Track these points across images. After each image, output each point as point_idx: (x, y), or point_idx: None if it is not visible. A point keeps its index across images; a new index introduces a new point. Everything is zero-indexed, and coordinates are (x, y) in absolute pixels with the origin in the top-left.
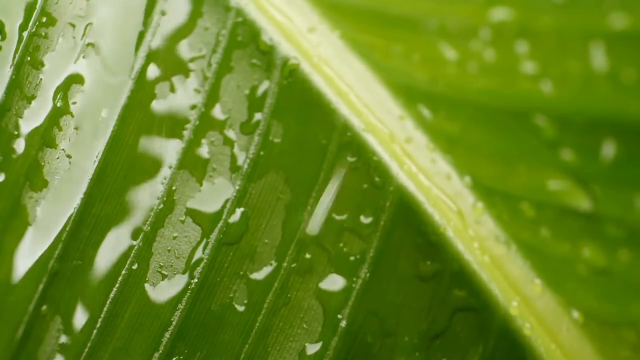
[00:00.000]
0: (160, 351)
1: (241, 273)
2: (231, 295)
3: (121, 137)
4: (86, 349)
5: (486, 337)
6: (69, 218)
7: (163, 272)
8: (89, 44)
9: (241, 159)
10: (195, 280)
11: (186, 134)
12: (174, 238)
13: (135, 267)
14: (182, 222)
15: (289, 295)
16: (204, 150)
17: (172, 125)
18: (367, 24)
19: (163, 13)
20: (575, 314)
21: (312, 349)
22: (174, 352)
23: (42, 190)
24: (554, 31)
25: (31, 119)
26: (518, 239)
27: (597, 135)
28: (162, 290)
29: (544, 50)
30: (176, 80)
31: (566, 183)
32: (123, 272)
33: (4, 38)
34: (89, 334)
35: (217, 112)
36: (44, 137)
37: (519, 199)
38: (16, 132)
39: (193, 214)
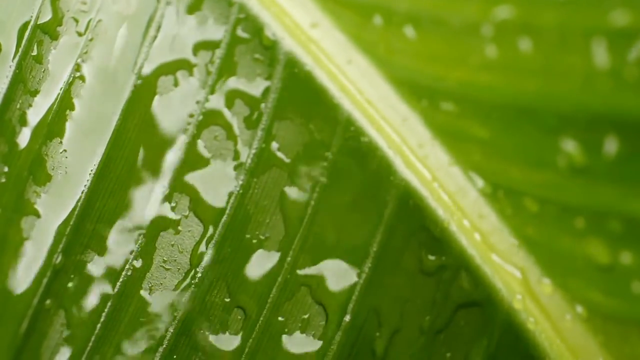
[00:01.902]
0: (164, 345)
1: (245, 268)
2: (235, 290)
3: (124, 132)
4: (90, 344)
5: (490, 331)
6: (73, 212)
7: (166, 266)
8: (92, 39)
9: (244, 153)
10: (199, 275)
11: (189, 128)
12: (178, 233)
13: (138, 261)
14: (186, 217)
15: (292, 290)
16: (207, 145)
17: (175, 120)
18: (370, 19)
19: (166, 8)
20: (579, 309)
21: (316, 343)
22: (177, 346)
23: (46, 184)
24: (556, 28)
25: (35, 113)
26: (521, 233)
27: (600, 132)
28: (166, 285)
29: (546, 47)
30: (179, 75)
31: (569, 179)
32: (127, 266)
33: (6, 33)
34: (93, 329)
35: (221, 106)
36: (48, 131)
37: (523, 194)
38: (20, 126)
39: (196, 208)
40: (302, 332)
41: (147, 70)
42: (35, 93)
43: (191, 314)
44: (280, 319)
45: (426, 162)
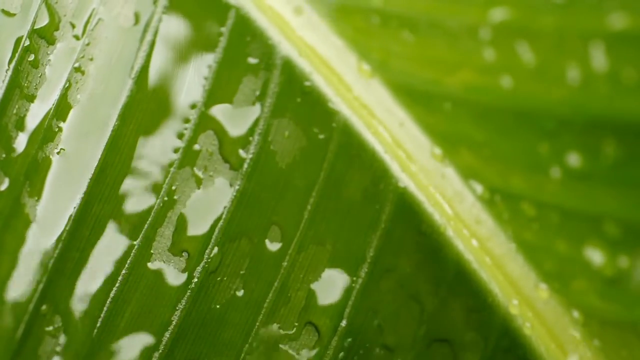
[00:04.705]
0: (160, 351)
1: (241, 272)
2: (231, 294)
3: (121, 137)
4: (86, 349)
5: (486, 336)
6: (69, 217)
7: (163, 271)
8: (89, 44)
9: (241, 158)
10: (196, 279)
11: (186, 133)
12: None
13: (135, 266)
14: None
15: (288, 295)
16: (204, 150)
17: (172, 124)
18: (367, 24)
19: (163, 13)
20: (576, 314)
21: (312, 348)
22: (174, 351)
23: (42, 189)
24: (554, 31)
25: (31, 118)
26: (518, 238)
27: (598, 136)
28: (163, 290)
29: (544, 50)
30: (176, 79)
31: (567, 183)
32: (123, 271)
33: (3, 37)
34: (89, 334)
35: (217, 111)
36: (44, 136)
37: (520, 198)
38: (16, 132)
39: (193, 213)
40: (298, 338)
41: (144, 74)
42: (32, 98)
43: (188, 319)
44: (276, 323)
45: (423, 167)
